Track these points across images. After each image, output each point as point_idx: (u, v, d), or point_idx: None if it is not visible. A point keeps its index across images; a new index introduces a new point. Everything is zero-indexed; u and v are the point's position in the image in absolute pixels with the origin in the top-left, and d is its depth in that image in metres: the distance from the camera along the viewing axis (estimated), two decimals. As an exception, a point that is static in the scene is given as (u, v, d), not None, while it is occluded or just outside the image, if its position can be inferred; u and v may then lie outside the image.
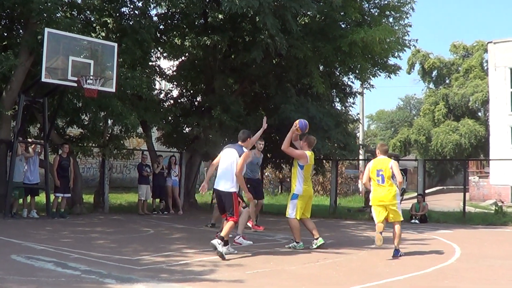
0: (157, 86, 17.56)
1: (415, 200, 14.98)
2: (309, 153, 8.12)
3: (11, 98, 12.28)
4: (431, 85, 41.56)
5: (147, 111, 14.58)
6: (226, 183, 7.30)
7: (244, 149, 7.49)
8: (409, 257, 7.56)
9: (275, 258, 7.21)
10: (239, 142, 7.66)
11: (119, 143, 14.51)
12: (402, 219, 7.71)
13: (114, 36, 13.96)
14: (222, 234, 7.09)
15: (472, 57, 38.12)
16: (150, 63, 15.83)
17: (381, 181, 7.58)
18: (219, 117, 14.85)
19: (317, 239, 8.06)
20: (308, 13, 15.07)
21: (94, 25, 14.32)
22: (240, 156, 7.30)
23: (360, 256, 7.68)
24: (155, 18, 15.65)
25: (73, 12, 13.78)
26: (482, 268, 6.77)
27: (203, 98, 16.99)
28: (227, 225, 7.19)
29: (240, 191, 7.92)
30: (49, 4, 11.41)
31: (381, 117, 53.15)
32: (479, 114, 38.41)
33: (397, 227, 7.55)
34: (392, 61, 17.05)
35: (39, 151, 12.62)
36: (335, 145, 15.60)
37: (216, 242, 6.90)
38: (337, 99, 18.56)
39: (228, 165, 7.33)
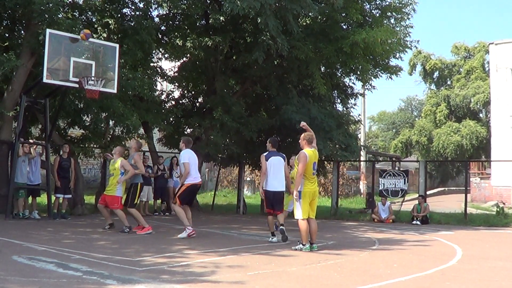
0: (159, 87, 17.56)
1: (416, 201, 14.97)
2: (309, 152, 8.06)
3: (13, 99, 12.30)
4: (433, 86, 41.49)
5: (149, 112, 14.59)
6: (282, 185, 9.02)
7: (283, 155, 9.19)
8: (411, 258, 7.56)
9: (276, 259, 7.21)
10: (273, 149, 9.09)
11: (120, 144, 14.49)
12: None
13: (115, 37, 13.97)
14: (281, 221, 9.04)
15: (473, 58, 38.03)
16: (152, 64, 15.85)
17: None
18: (220, 118, 14.87)
19: (311, 244, 8.05)
20: (310, 14, 15.08)
21: (96, 26, 14.31)
22: (285, 162, 9.13)
23: (361, 257, 7.67)
24: (156, 19, 15.70)
25: (74, 13, 13.78)
26: (484, 270, 6.76)
27: (205, 99, 16.99)
28: (282, 215, 9.18)
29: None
30: (51, 5, 11.41)
31: (382, 118, 52.97)
32: (481, 115, 38.33)
33: None
34: (393, 62, 17.11)
35: (41, 151, 12.63)
36: (337, 146, 15.61)
37: (281, 230, 8.86)
38: (339, 100, 18.57)
39: (281, 171, 9.04)
